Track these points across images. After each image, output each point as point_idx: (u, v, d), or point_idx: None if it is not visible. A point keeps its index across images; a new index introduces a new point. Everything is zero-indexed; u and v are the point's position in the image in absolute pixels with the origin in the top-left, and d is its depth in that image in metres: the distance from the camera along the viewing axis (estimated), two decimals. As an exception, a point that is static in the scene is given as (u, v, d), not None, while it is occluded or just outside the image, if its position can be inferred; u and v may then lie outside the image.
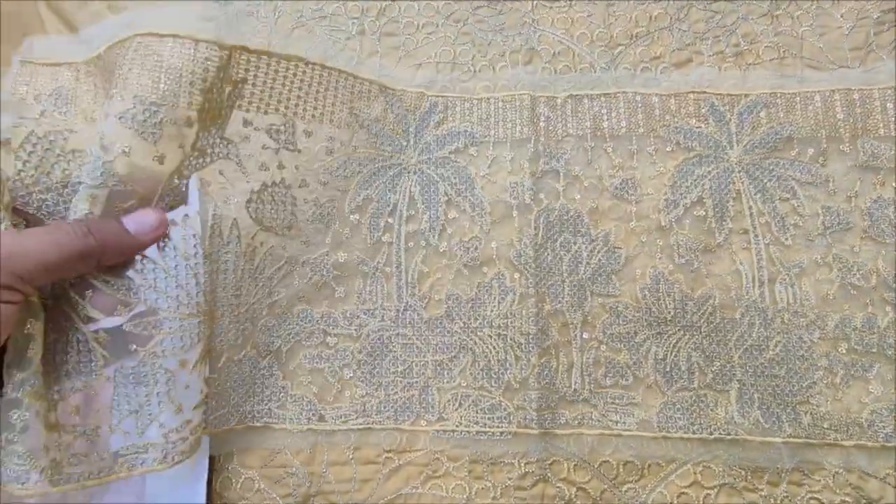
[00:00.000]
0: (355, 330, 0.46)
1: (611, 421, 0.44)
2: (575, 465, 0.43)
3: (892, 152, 0.47)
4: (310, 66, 0.44)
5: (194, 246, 0.37)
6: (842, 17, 0.52)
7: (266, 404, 0.45)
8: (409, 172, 0.49)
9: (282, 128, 0.44)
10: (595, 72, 0.51)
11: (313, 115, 0.45)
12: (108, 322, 0.35)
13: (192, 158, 0.39)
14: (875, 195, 0.47)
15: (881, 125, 0.48)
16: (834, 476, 0.42)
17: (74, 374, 0.35)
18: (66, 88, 0.45)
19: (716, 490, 0.42)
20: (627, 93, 0.51)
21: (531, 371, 0.45)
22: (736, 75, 0.51)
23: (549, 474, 0.43)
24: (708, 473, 0.43)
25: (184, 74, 0.36)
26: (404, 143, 0.49)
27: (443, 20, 0.53)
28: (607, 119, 0.50)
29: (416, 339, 0.46)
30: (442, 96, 0.50)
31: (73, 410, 0.35)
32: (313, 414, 0.45)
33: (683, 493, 0.42)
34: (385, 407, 0.45)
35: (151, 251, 0.36)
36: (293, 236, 0.45)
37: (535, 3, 0.54)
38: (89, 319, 0.35)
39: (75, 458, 0.34)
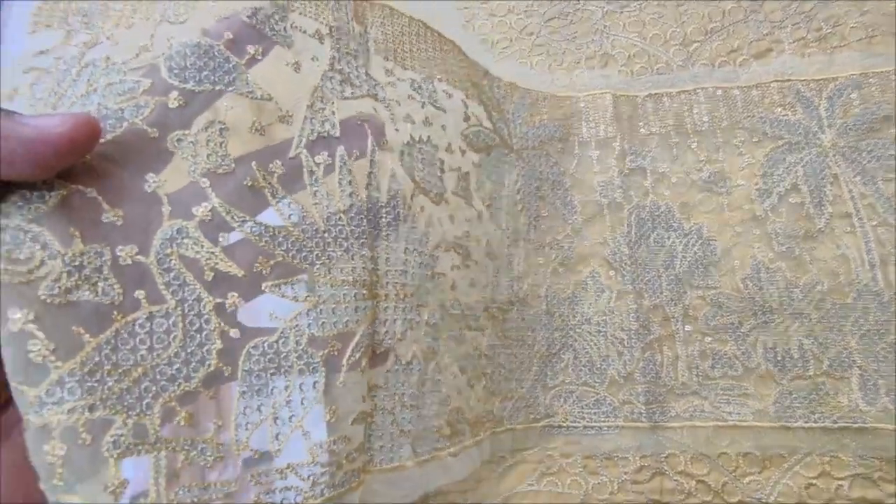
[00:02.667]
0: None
1: (724, 412, 0.43)
2: (692, 457, 0.42)
3: None
4: (430, 29, 0.43)
5: (350, 195, 0.30)
6: None
7: (433, 421, 0.36)
8: (513, 161, 0.49)
9: (422, 84, 0.40)
10: (672, 70, 0.52)
11: (446, 78, 0.43)
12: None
13: (333, 80, 0.33)
14: None
15: (985, 97, 0.46)
16: None
17: (181, 365, 0.25)
18: None
19: (848, 481, 0.40)
20: (707, 88, 0.51)
21: (635, 365, 0.45)
22: (821, 60, 0.51)
23: (665, 467, 0.42)
24: (837, 463, 0.41)
25: None
26: (507, 130, 0.49)
27: (516, 34, 0.56)
28: (689, 115, 0.51)
29: (526, 333, 0.46)
30: (531, 90, 0.52)
31: (185, 419, 0.25)
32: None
33: (812, 484, 0.40)
34: (514, 410, 0.44)
35: (303, 195, 0.29)
36: (443, 209, 0.39)
37: (605, 10, 0.55)
38: (219, 277, 0.26)
39: (187, 490, 0.24)
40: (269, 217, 0.28)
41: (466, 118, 0.45)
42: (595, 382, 0.45)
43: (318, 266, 0.29)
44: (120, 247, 0.24)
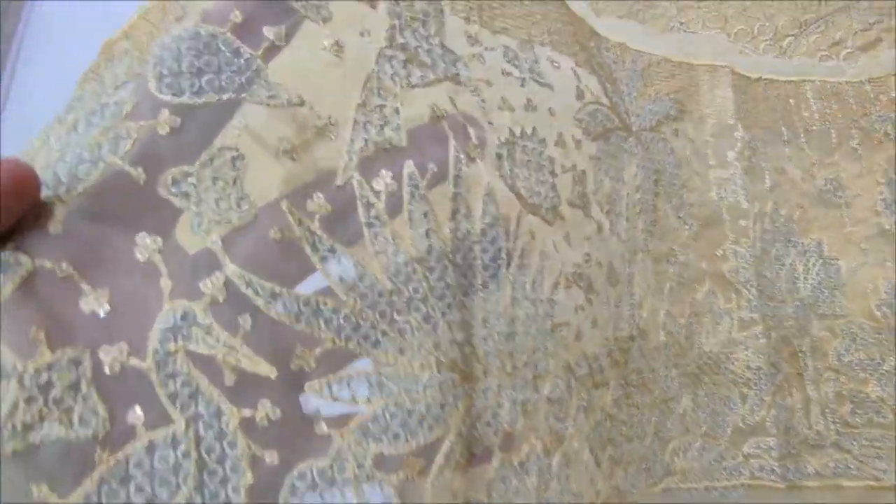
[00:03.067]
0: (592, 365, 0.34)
1: (876, 470, 0.36)
2: None
3: None
4: None
5: (425, 234, 0.21)
6: None
7: None
8: (632, 148, 0.37)
9: (519, 52, 0.29)
10: (762, 70, 0.44)
11: (550, 41, 0.31)
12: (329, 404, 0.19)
13: (395, 62, 0.23)
14: None
15: None
16: None
17: (222, 500, 0.18)
18: None
19: None
20: (814, 81, 0.44)
21: (766, 412, 0.37)
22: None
23: None
24: None
25: None
26: (623, 106, 0.37)
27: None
28: (796, 111, 0.43)
29: (648, 374, 0.36)
30: (643, 52, 0.41)
31: None
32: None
33: None
34: (635, 478, 0.34)
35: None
36: (559, 228, 0.28)
37: (678, 5, 0.46)
38: (238, 383, 0.19)
39: None
40: (311, 284, 0.20)
41: (580, 95, 0.33)
42: (717, 433, 0.37)
43: (384, 348, 0.20)
44: (105, 347, 0.17)
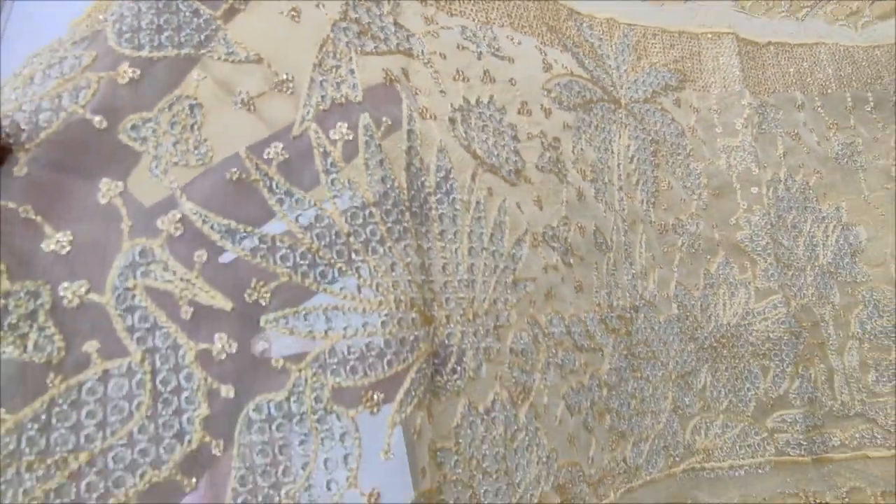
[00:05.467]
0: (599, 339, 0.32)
1: (903, 439, 0.35)
2: (884, 491, 0.33)
3: None
4: None
5: (381, 180, 0.22)
6: None
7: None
8: (621, 119, 0.36)
9: (478, 31, 0.31)
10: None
11: (510, 23, 0.33)
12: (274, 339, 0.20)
13: (349, 32, 0.25)
14: None
15: None
16: None
17: (149, 445, 0.18)
18: None
19: None
20: (828, 43, 0.43)
21: (789, 384, 0.35)
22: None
23: (857, 485, 0.33)
24: None
25: None
26: (609, 80, 0.37)
27: None
28: (811, 74, 0.42)
29: (658, 347, 0.34)
30: (635, 25, 0.40)
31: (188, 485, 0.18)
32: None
33: None
34: (638, 454, 0.32)
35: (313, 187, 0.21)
36: (524, 190, 0.28)
37: None
38: (195, 316, 0.19)
39: None
40: (270, 229, 0.21)
41: (547, 67, 0.33)
42: (739, 408, 0.35)
43: (341, 284, 0.21)
44: (65, 284, 0.18)
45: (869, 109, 0.41)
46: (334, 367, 0.20)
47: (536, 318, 0.27)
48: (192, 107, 0.21)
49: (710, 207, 0.38)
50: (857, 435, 0.35)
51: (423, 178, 0.24)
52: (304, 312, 0.20)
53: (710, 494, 0.34)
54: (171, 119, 0.20)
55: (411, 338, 0.21)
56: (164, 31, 0.21)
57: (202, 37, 0.22)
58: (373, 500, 0.19)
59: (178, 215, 0.19)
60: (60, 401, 0.17)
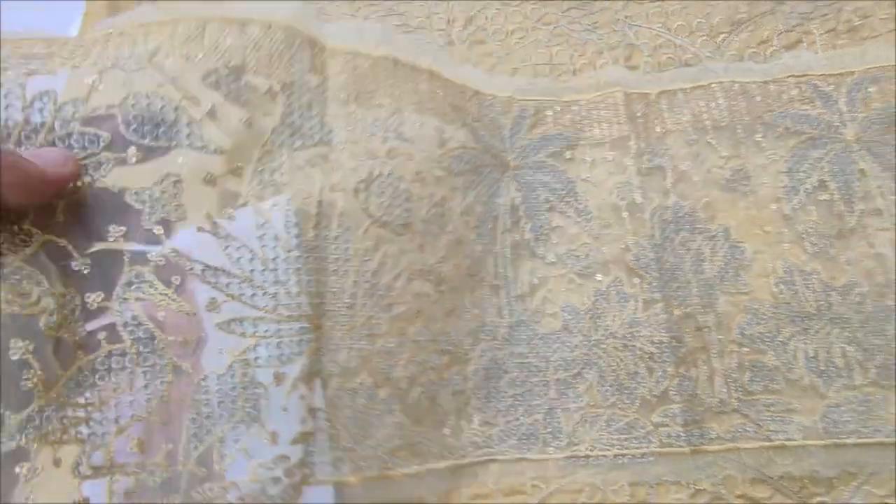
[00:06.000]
0: (468, 348, 0.42)
1: (769, 431, 0.39)
2: (752, 478, 0.38)
3: None
4: (400, 63, 0.43)
5: (296, 236, 0.33)
6: None
7: (382, 447, 0.39)
8: (509, 178, 0.45)
9: (388, 119, 0.40)
10: (701, 61, 0.49)
11: (418, 108, 0.42)
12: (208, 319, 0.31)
13: (283, 134, 0.36)
14: None
15: None
16: None
17: (134, 397, 0.30)
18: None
19: None
20: (724, 83, 0.48)
21: (670, 382, 0.40)
22: (837, 54, 0.49)
23: (722, 491, 0.38)
24: None
25: (262, 46, 0.36)
26: (502, 147, 0.46)
27: (532, 24, 0.52)
28: (706, 111, 0.48)
29: (533, 357, 0.42)
30: (532, 100, 0.48)
31: (136, 446, 0.29)
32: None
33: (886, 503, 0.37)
34: (507, 435, 0.40)
35: (250, 239, 0.33)
36: (410, 240, 0.39)
37: (625, 1, 0.53)
38: (170, 317, 0.32)
39: None
40: (221, 261, 0.32)
41: (442, 143, 0.42)
42: (626, 404, 0.41)
43: (264, 304, 0.33)
44: (88, 293, 0.30)
45: (759, 139, 0.47)
46: (256, 355, 0.32)
47: (405, 330, 0.37)
48: (175, 182, 0.32)
49: (600, 237, 0.44)
50: (732, 429, 0.40)
51: (325, 233, 0.35)
52: (240, 320, 0.32)
53: (603, 482, 0.39)
54: (161, 189, 0.32)
55: (306, 339, 0.33)
56: (161, 127, 0.33)
57: (185, 133, 0.33)
58: (273, 431, 0.32)
59: (163, 252, 0.31)
60: (84, 368, 0.29)
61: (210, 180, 0.33)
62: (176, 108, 0.33)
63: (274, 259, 0.33)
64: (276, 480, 0.31)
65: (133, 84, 0.33)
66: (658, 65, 0.50)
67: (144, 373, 0.30)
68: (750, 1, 0.51)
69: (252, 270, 0.32)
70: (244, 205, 0.33)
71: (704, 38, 0.51)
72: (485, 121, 0.46)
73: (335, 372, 0.34)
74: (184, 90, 0.34)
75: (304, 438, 0.33)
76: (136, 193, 0.32)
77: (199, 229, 0.32)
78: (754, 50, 0.50)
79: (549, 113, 0.48)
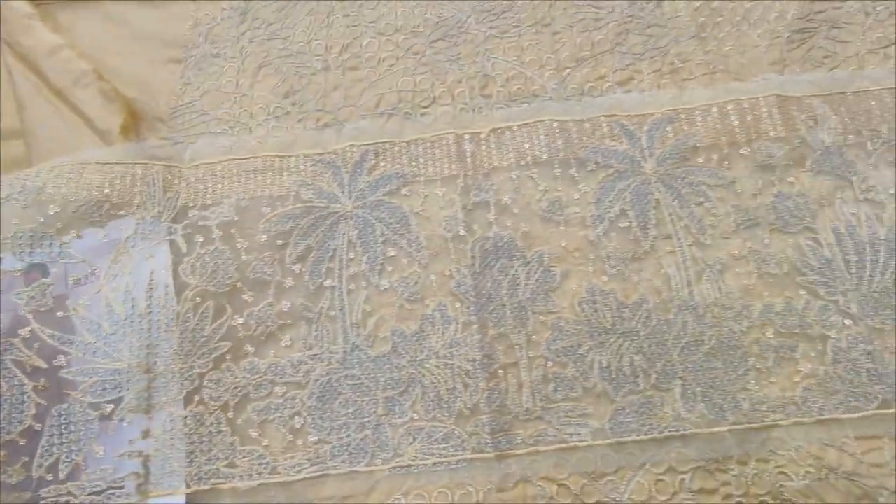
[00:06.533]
0: (303, 376, 0.46)
1: (566, 434, 0.45)
2: (544, 476, 0.44)
3: (783, 151, 0.52)
4: (236, 162, 0.53)
5: (132, 307, 0.47)
6: (758, 37, 0.58)
7: (214, 464, 0.43)
8: (346, 219, 0.50)
9: (222, 207, 0.51)
10: (547, 93, 0.56)
11: (253, 194, 0.52)
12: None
13: (134, 238, 0.49)
14: (775, 190, 0.51)
15: (770, 128, 0.53)
16: (796, 450, 0.43)
17: (6, 424, 0.43)
18: None
19: (690, 474, 0.43)
20: (545, 121, 0.54)
21: (481, 396, 0.46)
22: (640, 97, 0.56)
23: (528, 474, 0.43)
24: (681, 458, 0.44)
25: (123, 180, 0.51)
26: (339, 194, 0.51)
27: (403, 53, 0.58)
28: (529, 148, 0.53)
29: (365, 378, 0.46)
30: (372, 143, 0.53)
31: (3, 457, 0.43)
32: (265, 467, 0.44)
33: (660, 479, 0.43)
34: (339, 451, 0.44)
35: (94, 307, 0.46)
36: (237, 292, 0.48)
37: (486, 34, 0.59)
38: (34, 369, 0.45)
39: None
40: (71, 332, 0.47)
41: (273, 206, 0.51)
42: (444, 416, 0.45)
43: (101, 358, 0.46)
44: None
45: (572, 172, 0.53)
46: (91, 392, 0.45)
47: (238, 363, 0.47)
48: (47, 284, 0.47)
49: (429, 265, 0.49)
50: (535, 434, 0.45)
51: (160, 298, 0.48)
52: (82, 370, 0.46)
53: (424, 487, 0.44)
54: (32, 288, 0.47)
55: (135, 379, 0.46)
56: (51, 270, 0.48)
57: (60, 246, 0.49)
58: (102, 448, 0.44)
59: (31, 329, 0.46)
60: None
61: (77, 280, 0.48)
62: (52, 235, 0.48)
63: (114, 324, 0.47)
64: (100, 491, 0.43)
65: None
66: (509, 94, 0.56)
67: (15, 407, 0.44)
68: (593, 40, 0.58)
69: (94, 336, 0.46)
70: (98, 292, 0.47)
71: (552, 71, 0.58)
72: (326, 175, 0.52)
73: (165, 404, 0.45)
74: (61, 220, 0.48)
75: (135, 455, 0.44)
76: (17, 295, 0.47)
77: (63, 316, 0.47)
78: (592, 84, 0.57)
79: (389, 155, 0.53)
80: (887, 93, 0.54)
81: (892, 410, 0.44)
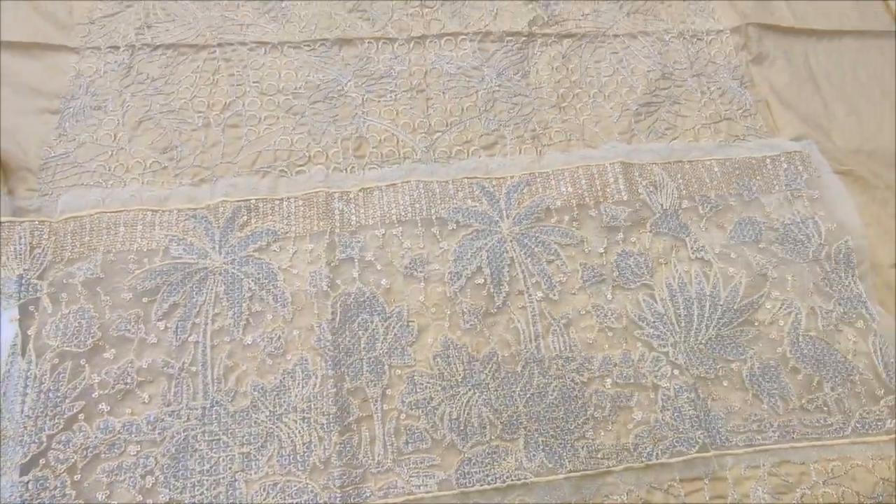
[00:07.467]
0: (158, 434, 0.46)
1: (413, 486, 0.46)
2: None
3: (626, 213, 0.57)
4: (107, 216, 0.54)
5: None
6: (611, 108, 0.64)
7: None
8: (214, 275, 0.52)
9: (91, 265, 0.52)
10: (416, 154, 0.60)
11: (118, 250, 0.53)
12: None
13: (3, 299, 0.49)
14: (619, 250, 0.56)
15: (616, 192, 0.58)
16: (627, 493, 0.47)
17: None
18: None
19: None
20: (410, 182, 0.58)
21: (333, 449, 0.47)
22: (502, 161, 0.60)
23: None
24: None
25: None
26: (210, 249, 0.53)
27: (283, 113, 0.61)
28: (395, 207, 0.57)
29: (223, 433, 0.47)
30: (244, 200, 0.55)
31: None
32: (108, 532, 0.43)
33: None
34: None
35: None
36: (97, 350, 0.49)
37: (364, 97, 0.63)
38: None
39: None
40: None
41: (129, 272, 0.52)
42: (299, 471, 0.46)
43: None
44: None
45: (434, 230, 0.56)
46: None
47: (92, 422, 0.47)
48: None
49: (293, 320, 0.51)
50: (384, 486, 0.47)
51: (19, 361, 0.48)
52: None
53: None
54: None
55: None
56: None
57: None
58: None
59: None
60: None
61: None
62: None
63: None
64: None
65: None
66: (381, 155, 0.60)
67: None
68: (463, 106, 0.63)
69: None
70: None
71: (423, 134, 0.62)
72: (196, 233, 0.54)
73: (7, 471, 0.46)
74: None
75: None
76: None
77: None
78: (460, 147, 0.61)
79: (261, 211, 0.55)
80: (716, 162, 0.61)
81: (710, 454, 0.48)
